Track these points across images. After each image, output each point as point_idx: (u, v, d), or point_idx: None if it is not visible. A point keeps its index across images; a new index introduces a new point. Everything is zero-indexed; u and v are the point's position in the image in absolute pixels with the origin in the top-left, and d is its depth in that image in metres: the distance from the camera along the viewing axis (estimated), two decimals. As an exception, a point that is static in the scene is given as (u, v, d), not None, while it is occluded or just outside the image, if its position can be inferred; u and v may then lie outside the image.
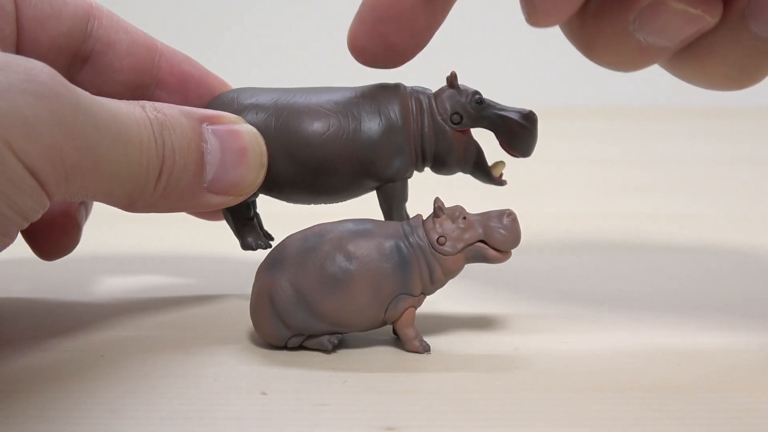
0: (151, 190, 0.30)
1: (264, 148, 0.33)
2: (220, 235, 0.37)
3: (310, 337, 0.31)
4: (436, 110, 0.35)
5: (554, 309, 0.36)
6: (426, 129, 0.35)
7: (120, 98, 0.33)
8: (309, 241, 0.31)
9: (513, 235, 0.31)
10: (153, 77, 0.35)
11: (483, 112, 0.35)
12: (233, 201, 0.33)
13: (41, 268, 0.37)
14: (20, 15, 0.32)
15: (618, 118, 0.89)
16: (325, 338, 0.31)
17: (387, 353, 0.32)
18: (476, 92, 0.35)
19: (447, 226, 0.31)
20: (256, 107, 0.35)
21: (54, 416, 0.26)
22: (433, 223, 0.31)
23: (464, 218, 0.31)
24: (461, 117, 0.35)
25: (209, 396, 0.28)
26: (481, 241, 0.31)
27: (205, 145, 0.32)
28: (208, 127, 0.32)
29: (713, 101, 0.86)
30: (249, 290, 0.32)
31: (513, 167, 0.36)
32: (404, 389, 0.29)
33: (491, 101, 0.36)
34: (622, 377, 0.30)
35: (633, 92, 0.91)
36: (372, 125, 0.34)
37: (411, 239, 0.31)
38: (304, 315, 0.31)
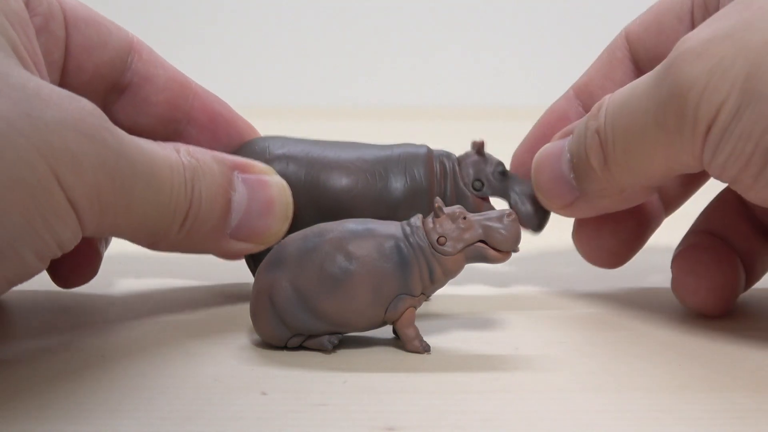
0: (176, 232, 0.32)
1: (291, 200, 0.34)
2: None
3: (310, 337, 0.31)
4: (459, 175, 0.36)
5: (554, 309, 0.36)
6: (449, 193, 0.36)
7: (152, 130, 0.35)
8: (309, 241, 0.31)
9: (513, 236, 0.31)
10: (185, 114, 0.36)
11: (504, 184, 0.36)
12: (255, 249, 0.34)
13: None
14: (69, 41, 0.33)
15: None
16: (325, 338, 0.31)
17: (387, 353, 0.32)
18: (500, 163, 0.37)
19: (447, 226, 0.31)
20: (287, 158, 0.35)
21: (54, 416, 0.26)
22: (433, 223, 0.31)
23: (464, 218, 0.31)
24: (482, 184, 0.36)
25: (209, 396, 0.28)
26: (481, 241, 0.31)
27: (233, 193, 0.33)
28: (239, 175, 0.33)
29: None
30: (249, 290, 0.32)
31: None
32: (404, 389, 0.29)
33: (513, 174, 0.37)
34: (622, 377, 0.30)
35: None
36: (398, 185, 0.35)
37: (411, 239, 0.31)
38: (304, 315, 0.31)
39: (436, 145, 0.38)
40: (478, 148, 0.37)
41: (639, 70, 0.37)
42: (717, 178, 0.30)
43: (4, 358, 0.31)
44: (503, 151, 0.39)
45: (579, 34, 0.93)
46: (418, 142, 0.37)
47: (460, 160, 0.37)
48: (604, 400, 0.28)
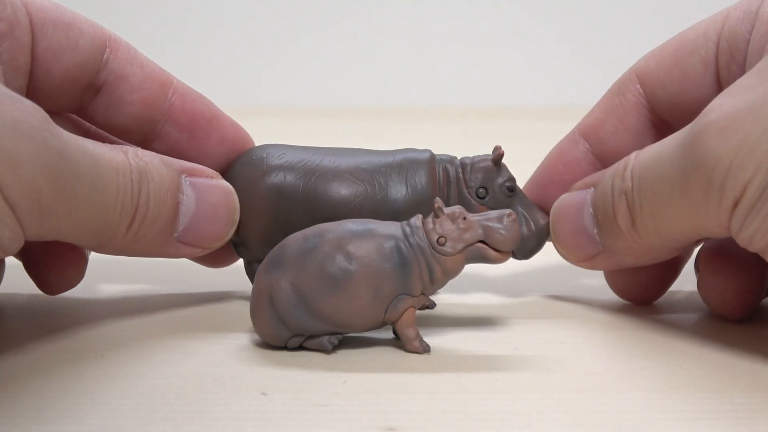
0: (122, 235, 0.31)
1: (237, 205, 0.34)
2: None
3: (310, 337, 0.31)
4: (463, 181, 0.35)
5: (554, 309, 0.36)
6: (452, 201, 0.35)
7: (129, 129, 0.35)
8: (309, 241, 0.31)
9: (512, 236, 0.31)
10: (164, 113, 0.35)
11: (509, 200, 0.35)
12: (200, 253, 0.34)
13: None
14: (35, 45, 0.32)
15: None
16: (325, 338, 0.31)
17: (387, 353, 0.32)
18: (512, 178, 0.36)
19: (447, 226, 0.31)
20: (285, 169, 0.35)
21: (54, 416, 0.26)
22: (433, 223, 0.31)
23: (464, 219, 0.31)
24: (487, 193, 0.35)
25: (209, 396, 0.28)
26: (481, 241, 0.31)
27: (181, 196, 0.33)
28: (187, 178, 0.33)
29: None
30: (249, 290, 0.32)
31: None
32: (404, 389, 0.29)
33: (521, 193, 0.36)
34: (622, 377, 0.30)
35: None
36: (398, 195, 0.34)
37: (411, 240, 0.31)
38: (304, 315, 0.31)
39: (438, 147, 0.37)
40: (497, 157, 0.35)
41: (655, 114, 0.36)
42: (745, 247, 0.30)
43: (4, 359, 0.31)
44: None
45: (582, 35, 0.93)
46: (419, 142, 0.37)
47: (471, 164, 0.35)
48: (604, 400, 0.28)
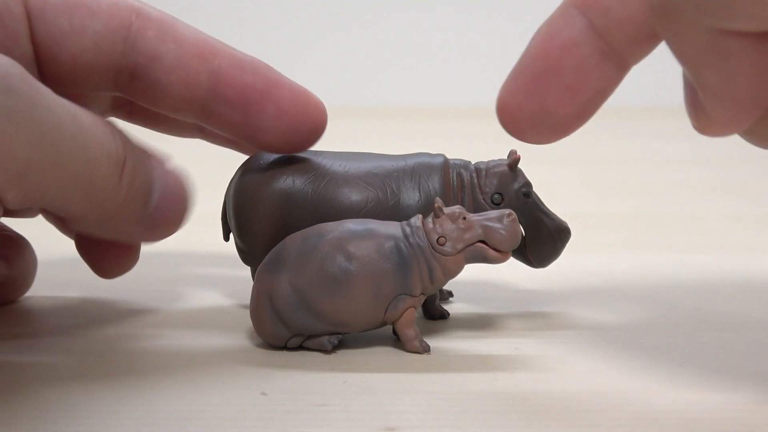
0: (113, 199, 0.29)
1: (191, 191, 0.31)
2: (220, 235, 0.37)
3: (310, 337, 0.31)
4: (477, 187, 0.34)
5: (554, 309, 0.36)
6: (466, 207, 0.34)
7: (179, 112, 0.33)
8: (309, 241, 0.31)
9: (512, 236, 0.31)
10: (209, 90, 0.32)
11: (525, 206, 0.34)
12: (159, 238, 0.31)
13: (40, 268, 0.37)
14: (34, 33, 0.31)
15: (617, 118, 0.89)
16: (325, 338, 0.31)
17: (387, 353, 0.32)
18: (528, 183, 0.35)
19: (447, 226, 0.31)
20: (293, 174, 0.34)
21: (54, 416, 0.26)
22: (433, 223, 0.31)
23: (464, 219, 0.31)
24: (503, 199, 0.34)
25: (209, 396, 0.28)
26: (481, 241, 0.31)
27: (152, 179, 0.30)
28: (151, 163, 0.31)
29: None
30: (249, 291, 0.32)
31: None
32: (404, 389, 0.29)
33: (538, 199, 0.35)
34: (622, 377, 0.30)
35: (633, 92, 0.91)
36: (411, 201, 0.34)
37: (411, 239, 0.31)
38: (304, 315, 0.31)
39: (451, 148, 0.37)
40: (512, 162, 0.34)
41: None
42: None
43: (3, 359, 0.31)
44: (504, 152, 0.39)
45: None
46: (432, 143, 0.36)
47: (487, 170, 0.35)
48: (604, 400, 0.28)
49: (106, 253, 0.33)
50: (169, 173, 0.31)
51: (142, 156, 0.30)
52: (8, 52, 0.29)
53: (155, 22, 0.32)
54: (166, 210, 0.31)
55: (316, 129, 0.33)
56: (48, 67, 0.31)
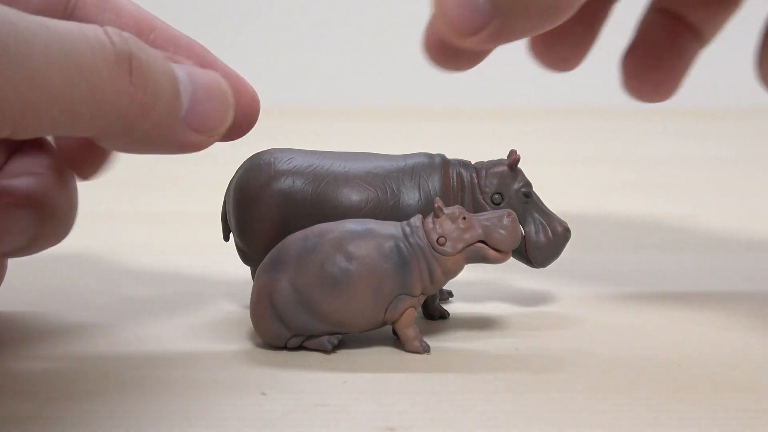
0: (128, 104, 0.27)
1: (229, 88, 0.30)
2: (220, 235, 0.37)
3: (310, 337, 0.31)
4: (477, 187, 0.34)
5: (554, 309, 0.36)
6: (466, 207, 0.34)
7: None
8: (309, 241, 0.31)
9: (512, 236, 0.31)
10: None
11: (525, 207, 0.34)
12: (208, 141, 0.30)
13: (41, 268, 0.37)
14: None
15: (617, 119, 0.89)
16: (325, 338, 0.31)
17: (387, 353, 0.32)
18: (528, 183, 0.35)
19: (447, 226, 0.31)
20: (293, 174, 0.34)
21: (54, 417, 0.26)
22: (433, 223, 0.31)
23: (464, 219, 0.31)
24: (502, 199, 0.34)
25: (209, 396, 0.28)
26: (481, 241, 0.31)
27: (176, 71, 0.29)
28: (171, 63, 0.29)
29: (713, 102, 0.86)
30: (249, 291, 0.32)
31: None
32: (404, 389, 0.29)
33: (538, 199, 0.35)
34: (622, 377, 0.30)
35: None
36: (411, 201, 0.34)
37: (411, 239, 0.31)
38: (304, 315, 0.31)
39: (450, 148, 0.37)
40: (512, 162, 0.34)
41: None
42: None
43: (3, 359, 0.31)
44: (504, 152, 0.39)
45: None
46: (431, 144, 0.36)
47: (487, 169, 0.35)
48: (604, 400, 0.28)
49: (76, 155, 0.32)
50: (194, 72, 0.29)
51: (159, 59, 0.28)
52: None
53: None
54: (200, 109, 0.29)
55: (246, 115, 0.32)
56: None
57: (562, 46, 0.35)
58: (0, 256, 0.32)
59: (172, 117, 0.29)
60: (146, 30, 0.32)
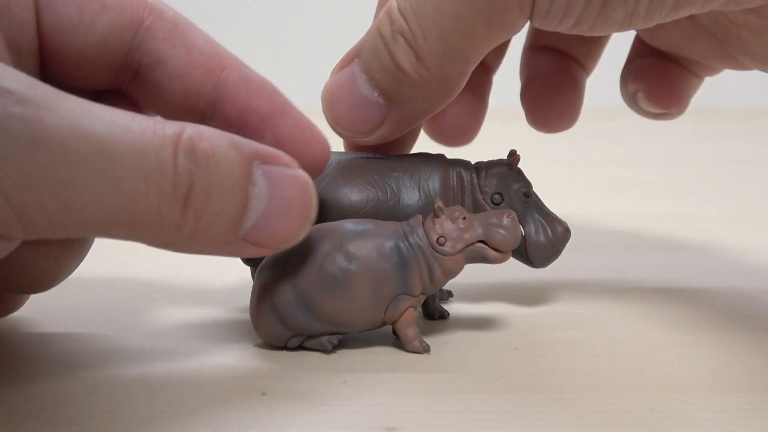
0: (173, 230, 0.26)
1: (315, 200, 0.28)
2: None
3: (310, 337, 0.31)
4: (477, 187, 0.34)
5: (554, 309, 0.36)
6: (466, 207, 0.34)
7: (174, 118, 0.28)
8: (309, 241, 0.31)
9: (512, 236, 0.31)
10: (210, 105, 0.31)
11: (525, 206, 0.34)
12: (268, 253, 0.28)
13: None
14: (41, 23, 0.29)
15: (617, 119, 0.89)
16: (325, 338, 0.31)
17: (387, 353, 0.32)
18: (528, 183, 0.35)
19: (447, 226, 0.31)
20: None
21: (54, 416, 0.26)
22: (433, 223, 0.31)
23: (464, 218, 0.31)
24: (502, 199, 0.34)
25: (209, 396, 0.28)
26: (481, 241, 0.31)
27: (252, 188, 0.27)
28: (260, 166, 0.27)
29: (713, 102, 0.85)
30: (249, 291, 0.32)
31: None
32: (404, 389, 0.29)
33: (538, 199, 0.35)
34: (622, 377, 0.30)
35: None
36: (411, 201, 0.33)
37: (411, 239, 0.31)
38: (303, 315, 0.31)
39: (446, 147, 0.37)
40: (513, 162, 0.34)
41: None
42: (554, 28, 0.30)
43: (3, 359, 0.31)
44: (504, 152, 0.39)
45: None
46: (430, 143, 0.36)
47: (486, 168, 0.35)
48: (604, 400, 0.28)
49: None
50: (280, 183, 0.27)
51: (236, 171, 0.26)
52: (13, 42, 0.28)
53: (168, 23, 0.31)
54: (267, 228, 0.27)
55: (316, 165, 0.31)
56: (51, 59, 0.30)
57: (460, 118, 0.38)
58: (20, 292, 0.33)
59: (229, 233, 0.27)
60: (216, 69, 0.31)
